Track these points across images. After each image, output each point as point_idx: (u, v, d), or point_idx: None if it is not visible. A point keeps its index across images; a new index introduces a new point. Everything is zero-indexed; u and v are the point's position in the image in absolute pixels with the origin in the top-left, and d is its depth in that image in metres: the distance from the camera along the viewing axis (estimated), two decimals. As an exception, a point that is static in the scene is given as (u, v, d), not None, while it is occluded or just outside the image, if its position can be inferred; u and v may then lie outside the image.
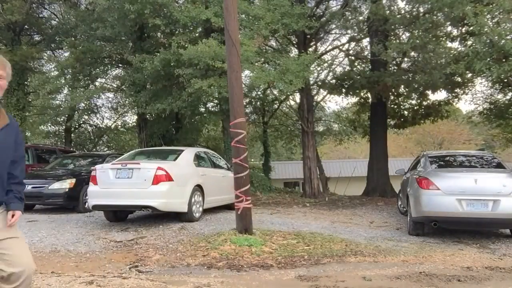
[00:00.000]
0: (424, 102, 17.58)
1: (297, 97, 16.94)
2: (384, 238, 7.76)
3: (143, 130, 16.50)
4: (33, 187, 9.87)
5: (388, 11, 13.50)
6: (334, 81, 16.53)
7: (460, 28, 13.00)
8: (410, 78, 14.40)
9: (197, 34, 13.99)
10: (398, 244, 7.24)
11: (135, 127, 20.21)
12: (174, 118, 17.09)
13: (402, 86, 15.55)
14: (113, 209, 8.54)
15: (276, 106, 19.83)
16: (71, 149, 18.90)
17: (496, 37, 9.94)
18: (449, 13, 11.16)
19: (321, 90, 16.81)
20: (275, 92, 15.83)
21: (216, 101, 15.31)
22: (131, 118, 23.00)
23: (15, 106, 17.25)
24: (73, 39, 16.39)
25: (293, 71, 11.83)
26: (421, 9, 12.97)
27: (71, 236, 7.38)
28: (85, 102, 18.20)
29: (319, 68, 15.31)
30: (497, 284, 5.07)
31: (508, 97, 16.67)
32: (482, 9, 10.18)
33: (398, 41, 14.04)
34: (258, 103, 18.52)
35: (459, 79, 14.64)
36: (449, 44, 13.69)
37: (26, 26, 18.87)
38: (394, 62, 15.17)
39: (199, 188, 8.72)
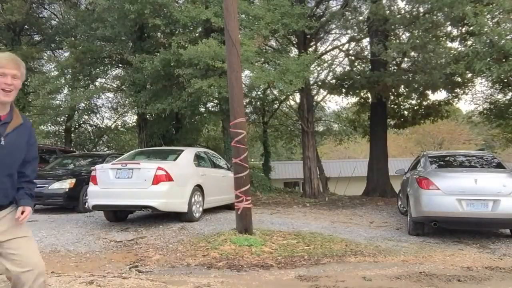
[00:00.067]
0: (424, 102, 17.59)
1: (297, 97, 16.95)
2: (384, 238, 7.76)
3: (143, 130, 16.50)
4: (33, 187, 9.85)
5: (388, 11, 13.51)
6: (334, 81, 16.54)
7: (460, 28, 13.00)
8: (410, 78, 14.40)
9: (197, 34, 13.99)
10: (398, 244, 7.24)
11: (135, 127, 20.21)
12: (174, 118, 17.09)
13: (402, 86, 15.56)
14: (113, 209, 8.54)
15: (276, 106, 19.83)
16: (71, 149, 18.90)
17: (496, 37, 9.94)
18: (449, 13, 11.16)
19: (321, 90, 16.81)
20: (275, 92, 15.83)
21: (216, 101, 15.31)
22: (131, 118, 23.02)
23: (15, 106, 17.20)
24: (73, 39, 16.39)
25: (293, 71, 11.83)
26: (421, 9, 12.98)
27: (71, 236, 7.38)
28: (85, 102, 18.18)
29: (319, 68, 15.32)
30: (497, 284, 5.07)
31: (508, 97, 16.68)
32: (482, 9, 10.18)
33: (398, 41, 14.04)
34: (258, 103, 18.52)
35: (459, 79, 14.65)
36: (449, 44, 13.72)
37: (26, 26, 18.89)
38: (394, 62, 15.17)
39: (199, 188, 8.72)
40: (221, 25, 10.91)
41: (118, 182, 7.99)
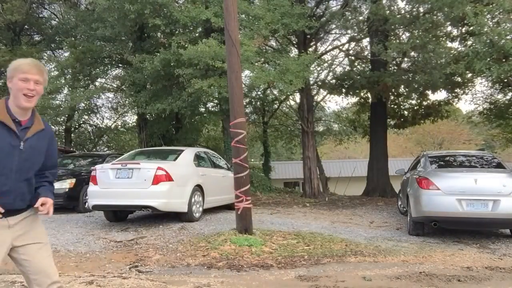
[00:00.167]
0: (424, 102, 17.60)
1: (297, 97, 16.95)
2: (384, 238, 7.76)
3: (143, 130, 16.49)
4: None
5: (388, 11, 13.50)
6: (334, 81, 16.53)
7: (460, 28, 13.01)
8: (410, 78, 14.40)
9: (197, 34, 13.99)
10: (398, 244, 7.24)
11: (135, 127, 20.21)
12: (174, 118, 17.08)
13: (402, 86, 15.56)
14: (113, 209, 8.53)
15: (276, 106, 19.82)
16: (71, 149, 18.90)
17: (496, 37, 9.93)
18: (449, 13, 11.16)
19: (321, 90, 16.80)
20: (275, 92, 15.82)
21: (216, 101, 15.31)
22: (131, 118, 23.01)
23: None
24: (73, 39, 16.39)
25: (293, 71, 11.82)
26: (421, 9, 12.98)
27: (71, 236, 7.38)
28: (85, 102, 18.19)
29: (319, 68, 15.31)
30: (497, 284, 5.07)
31: (508, 97, 16.69)
32: (482, 9, 10.18)
33: (398, 41, 14.05)
34: (258, 103, 18.51)
35: (459, 79, 14.65)
36: (449, 44, 13.73)
37: (26, 26, 18.88)
38: (394, 62, 15.18)
39: (199, 188, 8.72)
40: (221, 25, 10.91)
41: (118, 182, 7.99)
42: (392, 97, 17.33)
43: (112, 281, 4.72)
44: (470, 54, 10.58)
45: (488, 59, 10.27)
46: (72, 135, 23.06)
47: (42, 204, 2.57)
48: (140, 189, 7.81)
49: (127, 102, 19.45)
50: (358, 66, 17.46)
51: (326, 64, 15.65)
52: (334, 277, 5.21)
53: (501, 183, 7.37)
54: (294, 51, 16.29)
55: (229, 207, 9.79)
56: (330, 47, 16.98)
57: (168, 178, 7.88)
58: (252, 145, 25.05)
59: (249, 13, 12.30)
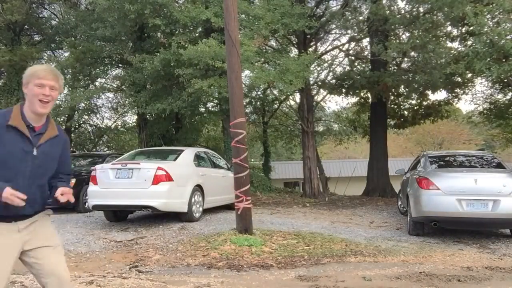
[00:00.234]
0: (424, 102, 17.60)
1: (297, 97, 16.95)
2: (384, 238, 7.76)
3: (143, 130, 16.49)
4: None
5: (388, 11, 13.50)
6: (334, 81, 16.53)
7: (460, 28, 13.01)
8: (410, 78, 14.40)
9: (197, 34, 13.98)
10: (398, 244, 7.24)
11: (135, 127, 20.20)
12: (174, 118, 17.08)
13: (402, 86, 15.56)
14: (113, 209, 8.54)
15: (276, 106, 19.83)
16: (71, 149, 18.89)
17: (496, 37, 9.93)
18: (449, 13, 11.17)
19: (321, 90, 16.80)
20: (275, 92, 15.82)
21: (216, 101, 15.31)
22: (131, 118, 23.00)
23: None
24: (73, 39, 16.38)
25: (293, 71, 11.82)
26: (421, 9, 12.98)
27: (71, 236, 7.38)
28: (85, 102, 18.17)
29: (319, 68, 15.31)
30: (497, 284, 5.07)
31: (508, 97, 16.69)
32: (482, 9, 10.18)
33: (398, 41, 14.05)
34: (258, 103, 18.51)
35: (459, 79, 14.65)
36: (449, 44, 13.73)
37: (26, 26, 18.85)
38: (394, 62, 15.18)
39: (199, 188, 8.72)
40: (221, 25, 10.91)
41: (118, 182, 8.00)
42: (392, 97, 17.33)
43: (112, 281, 4.72)
44: (470, 54, 10.58)
45: (488, 59, 10.27)
46: (72, 135, 23.04)
47: (61, 194, 2.58)
48: (140, 189, 7.81)
49: (127, 102, 19.43)
50: (358, 66, 17.46)
51: (326, 64, 15.66)
52: (334, 277, 5.21)
53: (501, 183, 7.37)
54: (294, 51, 16.29)
55: (229, 207, 9.79)
56: (330, 47, 17.01)
57: (168, 178, 7.88)
58: (252, 145, 25.05)
59: (249, 13, 12.30)
